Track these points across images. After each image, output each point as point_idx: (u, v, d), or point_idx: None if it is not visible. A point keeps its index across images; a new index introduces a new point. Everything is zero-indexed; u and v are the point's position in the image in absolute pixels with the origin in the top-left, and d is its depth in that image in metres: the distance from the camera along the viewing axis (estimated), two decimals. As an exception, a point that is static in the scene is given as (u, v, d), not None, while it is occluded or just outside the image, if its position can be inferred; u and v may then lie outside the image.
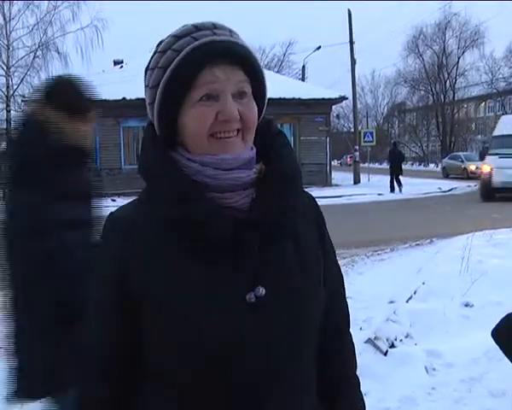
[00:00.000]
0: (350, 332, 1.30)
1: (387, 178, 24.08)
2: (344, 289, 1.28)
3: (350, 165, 50.01)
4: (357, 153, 29.39)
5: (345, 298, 1.28)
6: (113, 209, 1.14)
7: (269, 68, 43.15)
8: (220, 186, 1.05)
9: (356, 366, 1.30)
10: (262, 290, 1.04)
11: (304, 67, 40.68)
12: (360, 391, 1.29)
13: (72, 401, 1.17)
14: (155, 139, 1.11)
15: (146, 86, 1.11)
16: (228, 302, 1.03)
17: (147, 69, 1.11)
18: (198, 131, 1.05)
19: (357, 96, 32.79)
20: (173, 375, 1.06)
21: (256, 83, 1.09)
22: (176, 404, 1.07)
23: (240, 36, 1.10)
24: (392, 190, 22.98)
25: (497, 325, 1.16)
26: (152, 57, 1.10)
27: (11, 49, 27.97)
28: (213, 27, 1.07)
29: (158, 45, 1.11)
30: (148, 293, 1.04)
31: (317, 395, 1.18)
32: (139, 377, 1.11)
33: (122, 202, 1.18)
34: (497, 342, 1.16)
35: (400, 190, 22.65)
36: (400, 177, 23.01)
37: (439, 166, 41.62)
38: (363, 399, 1.29)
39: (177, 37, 1.07)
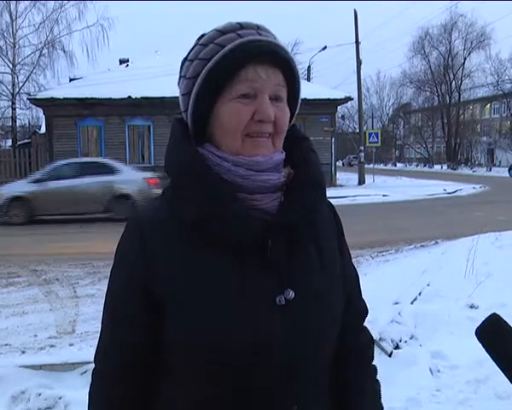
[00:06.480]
0: (366, 328, 1.29)
1: (392, 179, 24.27)
2: (360, 289, 1.28)
3: (351, 165, 50.22)
4: (363, 153, 29.36)
5: (361, 298, 1.28)
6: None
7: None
8: (250, 187, 1.05)
9: (373, 358, 1.30)
10: (292, 293, 1.04)
11: (309, 67, 40.60)
12: (377, 385, 1.28)
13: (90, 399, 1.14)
14: (185, 136, 1.10)
15: (182, 76, 1.10)
16: (257, 303, 1.02)
17: (184, 60, 1.10)
18: (233, 128, 1.04)
19: (363, 96, 32.71)
20: (195, 374, 1.04)
21: (291, 88, 1.09)
22: (194, 404, 1.05)
23: (281, 41, 1.10)
24: None
25: (482, 324, 1.12)
26: (192, 49, 1.09)
27: (17, 47, 28.13)
28: (257, 28, 1.08)
29: (199, 38, 1.09)
30: (174, 293, 1.03)
31: (332, 394, 1.17)
32: (160, 375, 1.09)
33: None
34: (481, 342, 1.12)
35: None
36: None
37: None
38: (379, 393, 1.27)
39: (221, 32, 1.06)
